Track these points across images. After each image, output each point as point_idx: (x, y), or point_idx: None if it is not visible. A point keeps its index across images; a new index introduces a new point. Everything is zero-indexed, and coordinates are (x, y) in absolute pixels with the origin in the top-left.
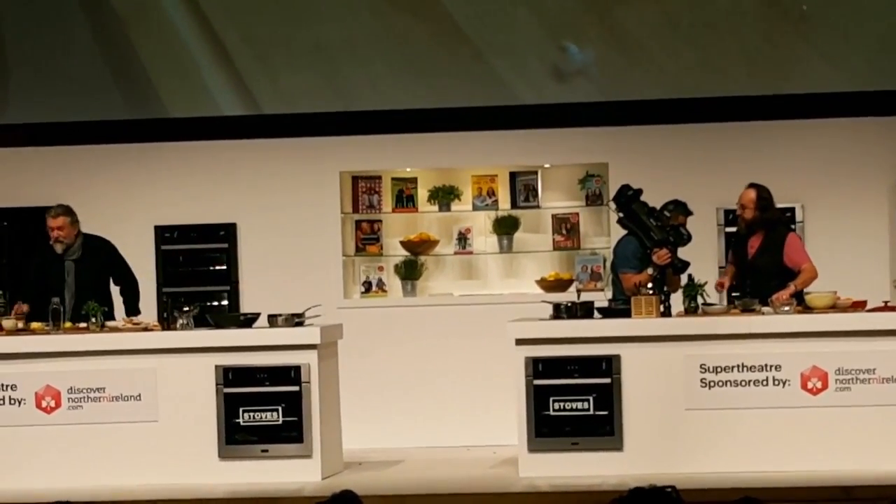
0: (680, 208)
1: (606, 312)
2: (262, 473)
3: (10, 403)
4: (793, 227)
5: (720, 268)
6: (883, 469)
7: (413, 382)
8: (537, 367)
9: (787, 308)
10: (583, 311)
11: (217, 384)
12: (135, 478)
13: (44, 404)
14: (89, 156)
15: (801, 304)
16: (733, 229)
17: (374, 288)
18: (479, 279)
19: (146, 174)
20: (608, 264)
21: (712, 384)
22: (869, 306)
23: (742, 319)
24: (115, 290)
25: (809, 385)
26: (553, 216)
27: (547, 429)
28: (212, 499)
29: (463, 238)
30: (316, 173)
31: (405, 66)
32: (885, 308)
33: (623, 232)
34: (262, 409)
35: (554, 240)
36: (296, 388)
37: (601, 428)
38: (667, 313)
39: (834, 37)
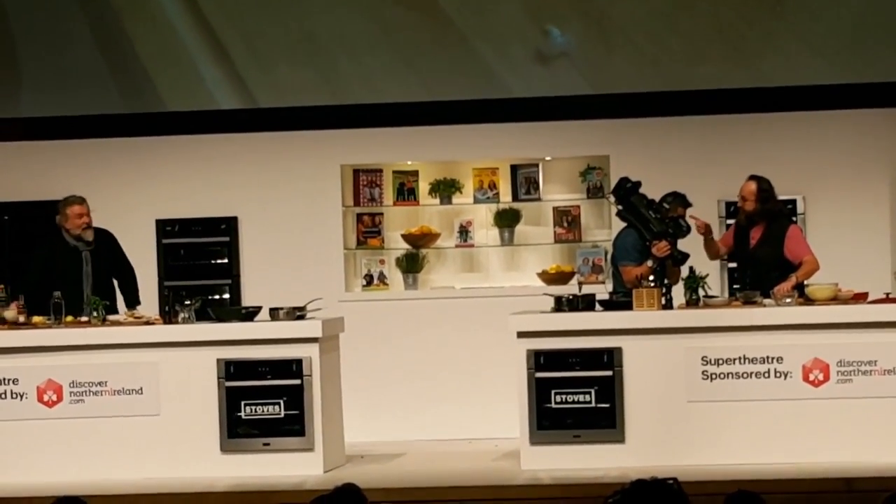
0: (679, 200)
1: (608, 305)
2: (264, 467)
3: (11, 397)
4: (794, 218)
5: (722, 260)
6: (884, 461)
7: (415, 375)
8: (539, 360)
9: (788, 300)
10: (584, 303)
11: (219, 378)
12: (137, 471)
13: (45, 398)
14: (90, 150)
15: (803, 296)
16: (733, 222)
17: (375, 281)
18: (480, 272)
19: (147, 168)
20: (609, 257)
21: (714, 376)
22: (870, 298)
23: (743, 312)
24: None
25: (811, 377)
26: (554, 209)
27: (548, 421)
28: (213, 492)
29: (464, 231)
30: (317, 167)
31: (400, 59)
32: (887, 300)
33: (623, 224)
34: (263, 403)
35: (555, 232)
36: (297, 382)
37: (603, 420)
38: (668, 306)
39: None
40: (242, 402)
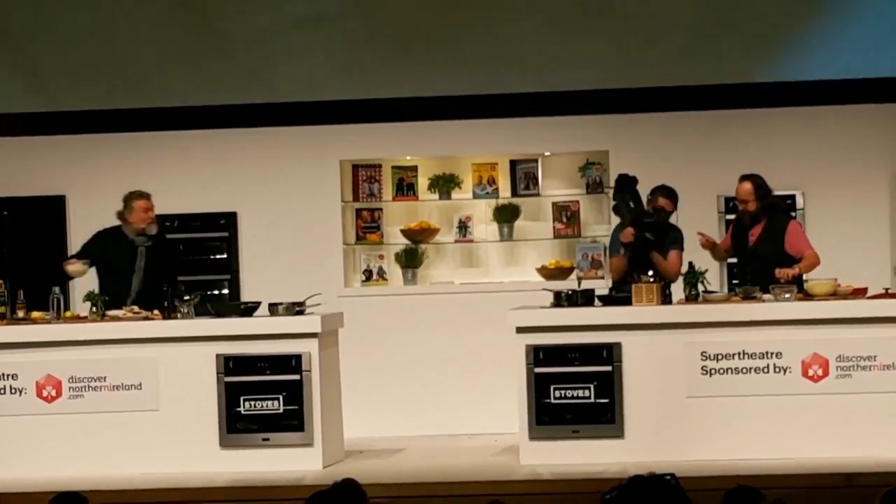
0: (660, 191)
1: (607, 300)
2: (264, 462)
3: (10, 393)
4: (793, 214)
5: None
6: (884, 456)
7: (414, 371)
8: (538, 355)
9: (787, 295)
10: (583, 298)
11: (218, 373)
12: (136, 467)
13: (45, 393)
14: (89, 146)
15: (802, 291)
16: (733, 217)
17: (374, 276)
18: (479, 267)
19: (146, 163)
20: (608, 252)
21: (713, 372)
22: (870, 293)
23: (743, 307)
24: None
25: (810, 372)
26: (553, 204)
27: (548, 417)
28: (213, 487)
29: (463, 226)
30: (316, 162)
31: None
32: (886, 295)
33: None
34: (263, 398)
35: (554, 227)
36: (297, 377)
37: (602, 416)
38: (667, 301)
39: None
40: (241, 398)
